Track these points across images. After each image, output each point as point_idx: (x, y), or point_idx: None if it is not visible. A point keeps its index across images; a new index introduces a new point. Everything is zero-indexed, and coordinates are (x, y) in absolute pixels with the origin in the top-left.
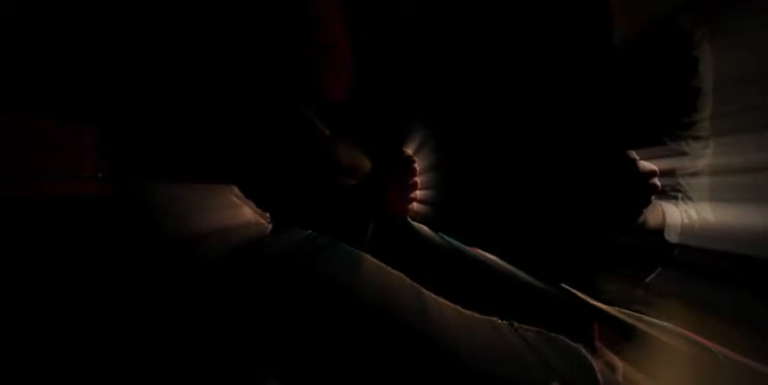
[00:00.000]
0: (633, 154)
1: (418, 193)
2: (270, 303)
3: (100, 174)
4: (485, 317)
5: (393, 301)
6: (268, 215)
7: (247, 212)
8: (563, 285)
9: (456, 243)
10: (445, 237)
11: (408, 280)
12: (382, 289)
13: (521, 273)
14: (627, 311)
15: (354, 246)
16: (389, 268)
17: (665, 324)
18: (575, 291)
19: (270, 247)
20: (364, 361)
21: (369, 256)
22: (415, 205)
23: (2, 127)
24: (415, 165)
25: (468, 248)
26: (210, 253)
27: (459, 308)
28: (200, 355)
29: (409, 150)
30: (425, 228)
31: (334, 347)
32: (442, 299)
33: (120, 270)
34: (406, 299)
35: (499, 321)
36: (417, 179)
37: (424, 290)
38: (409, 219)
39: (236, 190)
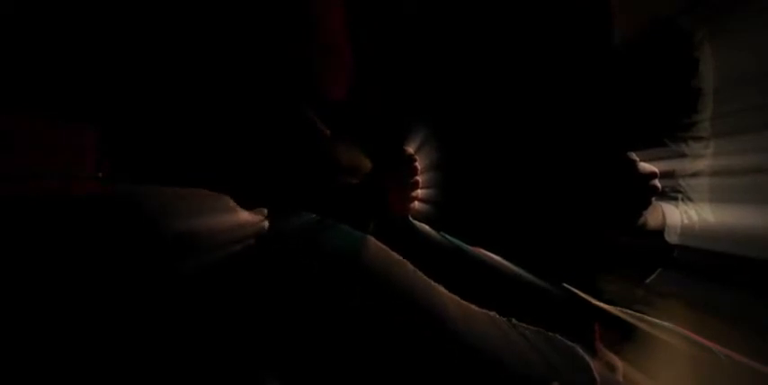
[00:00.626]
0: (633, 155)
1: (419, 192)
2: (270, 298)
3: (100, 174)
4: (483, 310)
5: (397, 283)
6: (265, 211)
7: (243, 213)
8: (564, 285)
9: (457, 242)
10: (447, 236)
11: (411, 265)
12: (386, 271)
13: (522, 273)
14: (627, 311)
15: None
16: (393, 252)
17: (665, 324)
18: (575, 291)
19: (270, 238)
20: (364, 348)
21: (373, 239)
22: (416, 204)
23: (1, 127)
24: (416, 164)
25: (469, 247)
26: (209, 252)
27: (458, 298)
28: (201, 355)
29: (410, 149)
30: (427, 227)
31: (338, 332)
32: (442, 288)
33: (119, 270)
34: (409, 282)
35: (498, 316)
36: (418, 178)
37: (426, 278)
38: (410, 219)
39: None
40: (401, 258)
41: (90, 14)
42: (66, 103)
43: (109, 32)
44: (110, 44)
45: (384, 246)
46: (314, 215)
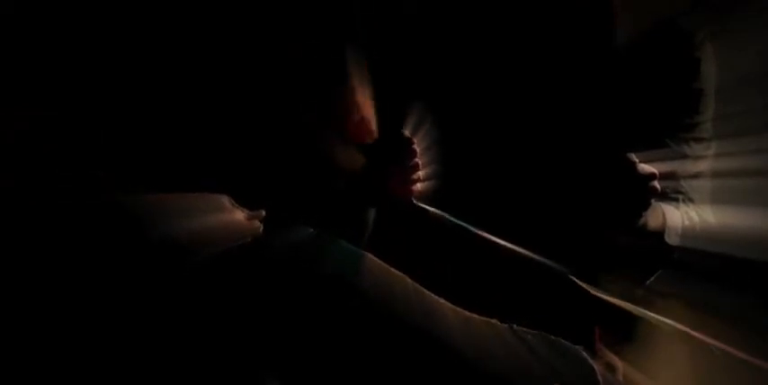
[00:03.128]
0: (633, 156)
1: (420, 174)
2: (269, 304)
3: (100, 175)
4: (484, 319)
5: (395, 303)
6: (262, 213)
7: (240, 214)
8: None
9: (461, 223)
10: (450, 217)
11: (410, 280)
12: (384, 290)
13: (526, 253)
14: (627, 310)
15: (357, 237)
16: (392, 269)
17: (665, 324)
18: (577, 287)
19: (268, 249)
20: (364, 362)
21: (371, 256)
22: (418, 186)
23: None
24: (415, 146)
25: (473, 228)
26: (207, 254)
27: (459, 309)
28: (200, 356)
29: (408, 132)
30: (430, 208)
31: (335, 348)
32: (442, 301)
33: (117, 274)
34: (408, 300)
35: (499, 324)
36: (418, 160)
37: (426, 291)
38: (414, 201)
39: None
40: (400, 274)
41: (90, 16)
42: (64, 106)
43: (108, 34)
44: (109, 46)
45: (383, 263)
46: (312, 229)
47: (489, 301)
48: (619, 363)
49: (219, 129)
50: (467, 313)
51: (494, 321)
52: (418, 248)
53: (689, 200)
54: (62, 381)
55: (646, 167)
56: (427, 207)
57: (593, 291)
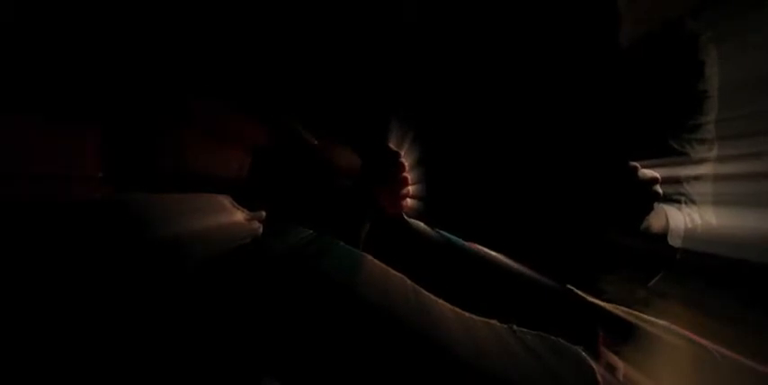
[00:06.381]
0: (635, 162)
1: (410, 189)
2: (268, 304)
3: (100, 175)
4: (484, 319)
5: (394, 304)
6: (262, 214)
7: (240, 215)
8: (564, 283)
9: (453, 238)
10: (442, 232)
11: (409, 281)
12: (383, 291)
13: (520, 268)
14: (628, 312)
15: (353, 243)
16: (390, 269)
17: (665, 324)
18: (575, 290)
19: (267, 249)
20: (363, 361)
21: (370, 257)
22: (408, 201)
23: (3, 128)
24: (403, 160)
25: (465, 243)
26: (206, 254)
27: (458, 310)
28: (200, 356)
29: (395, 146)
30: (421, 224)
31: (334, 347)
32: (441, 301)
33: (116, 273)
34: (407, 301)
35: (498, 324)
36: (407, 175)
37: (425, 292)
38: (404, 217)
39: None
40: (399, 274)
41: (91, 15)
42: (68, 104)
43: (112, 33)
44: (112, 45)
45: (382, 264)
46: (311, 231)
47: (488, 302)
48: (619, 363)
49: (223, 130)
50: (466, 314)
51: (493, 322)
52: (410, 265)
53: (691, 202)
54: (62, 381)
55: (647, 172)
56: (419, 222)
57: (592, 300)
